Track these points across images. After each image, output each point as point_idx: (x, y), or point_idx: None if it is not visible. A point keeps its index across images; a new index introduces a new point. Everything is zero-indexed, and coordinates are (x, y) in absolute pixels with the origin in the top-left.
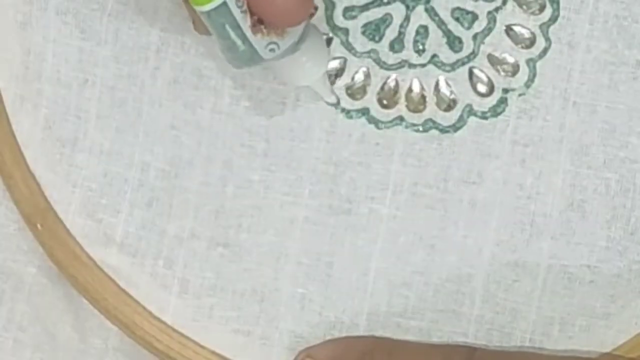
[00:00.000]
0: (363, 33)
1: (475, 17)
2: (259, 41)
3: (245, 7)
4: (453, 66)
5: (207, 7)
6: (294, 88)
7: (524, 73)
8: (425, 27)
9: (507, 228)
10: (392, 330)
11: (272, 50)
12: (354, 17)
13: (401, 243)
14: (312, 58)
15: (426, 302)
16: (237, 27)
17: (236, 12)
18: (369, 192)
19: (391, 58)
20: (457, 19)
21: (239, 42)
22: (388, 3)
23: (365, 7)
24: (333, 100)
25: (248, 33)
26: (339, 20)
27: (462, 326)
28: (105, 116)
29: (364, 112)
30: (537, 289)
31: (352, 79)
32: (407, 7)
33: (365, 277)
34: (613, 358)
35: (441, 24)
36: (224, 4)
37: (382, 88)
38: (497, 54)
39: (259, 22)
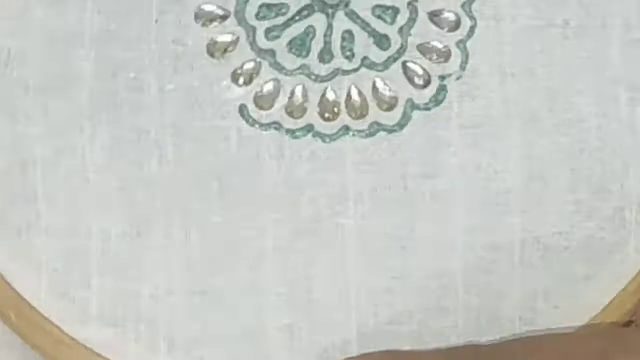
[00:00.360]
0: (290, 51)
1: (396, 10)
2: None
3: None
4: (385, 64)
5: None
6: (236, 125)
7: (456, 56)
8: (350, 32)
9: (474, 213)
10: (384, 339)
11: None
12: (277, 37)
13: (373, 251)
14: None
15: (411, 304)
16: None
17: None
18: (331, 207)
19: (323, 69)
20: (379, 17)
21: None
22: (308, 15)
23: (286, 25)
24: None
25: None
26: (263, 42)
27: (451, 319)
28: (53, 194)
29: (309, 129)
30: (515, 266)
31: (290, 98)
32: (327, 15)
33: (346, 293)
34: (593, 327)
35: (364, 24)
36: None
37: (320, 101)
38: (426, 43)
39: None
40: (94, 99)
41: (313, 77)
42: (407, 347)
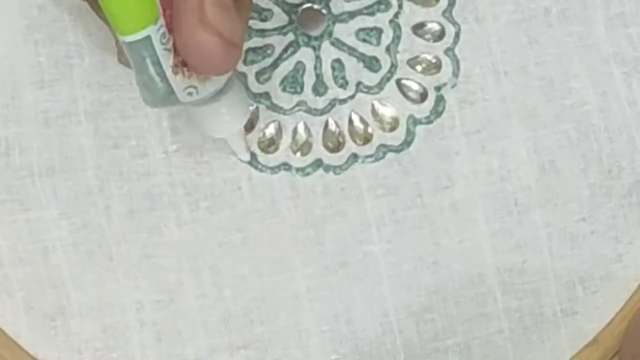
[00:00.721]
0: (284, 90)
1: (379, 30)
2: (177, 82)
3: (170, 46)
4: (380, 86)
5: (130, 38)
6: (245, 173)
7: (447, 64)
8: (339, 60)
9: (495, 216)
10: (434, 356)
11: (190, 94)
12: (268, 79)
13: (405, 272)
14: (231, 111)
15: (452, 317)
16: (157, 64)
17: (159, 48)
18: (355, 237)
19: (320, 102)
20: (364, 40)
21: (157, 79)
22: (294, 52)
23: (275, 65)
24: (247, 158)
25: (168, 72)
26: (256, 87)
27: (495, 325)
28: (79, 274)
29: (318, 164)
30: (547, 261)
31: (293, 137)
32: (314, 48)
33: (387, 318)
34: None
35: (352, 50)
36: (148, 37)
37: (324, 134)
38: (415, 57)
39: (182, 64)
40: (100, 172)
41: (312, 111)
42: (455, 359)
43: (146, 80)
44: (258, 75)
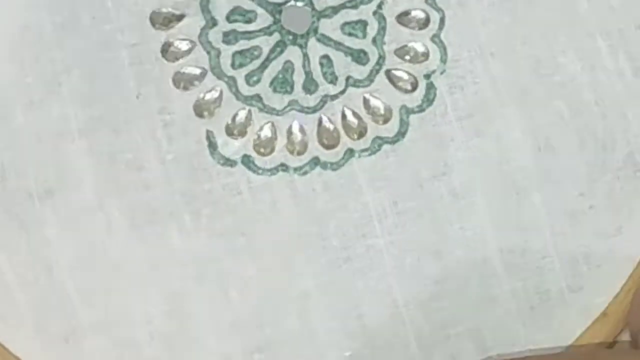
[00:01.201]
0: (275, 91)
1: (364, 23)
2: None
3: None
4: (370, 78)
5: None
6: (244, 177)
7: (434, 51)
8: (326, 56)
9: (495, 200)
10: (446, 344)
11: None
12: (258, 81)
13: (410, 263)
14: None
15: (460, 303)
16: None
17: None
18: (358, 231)
19: (311, 100)
20: (350, 34)
21: None
22: (281, 51)
23: (263, 66)
24: None
25: None
26: (246, 90)
27: (503, 306)
28: (86, 291)
29: (315, 162)
30: (548, 239)
31: (289, 137)
32: (300, 46)
33: (396, 310)
34: (576, 349)
35: (338, 45)
36: None
37: (319, 131)
38: (402, 47)
39: None
40: (99, 188)
41: (305, 110)
42: (470, 345)
43: None
44: (247, 77)
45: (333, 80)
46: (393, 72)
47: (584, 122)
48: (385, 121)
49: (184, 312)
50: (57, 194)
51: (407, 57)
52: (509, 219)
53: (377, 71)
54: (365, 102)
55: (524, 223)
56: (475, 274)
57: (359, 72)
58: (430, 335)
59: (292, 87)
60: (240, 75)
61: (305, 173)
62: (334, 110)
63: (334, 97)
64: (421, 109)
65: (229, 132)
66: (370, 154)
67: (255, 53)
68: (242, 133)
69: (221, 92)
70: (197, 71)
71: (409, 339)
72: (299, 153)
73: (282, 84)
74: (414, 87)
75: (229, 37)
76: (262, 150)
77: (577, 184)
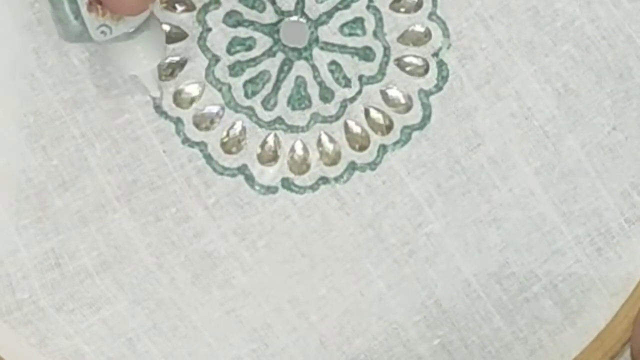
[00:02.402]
0: (294, 109)
1: (361, 20)
2: (92, 20)
3: None
4: (381, 72)
5: None
6: (288, 200)
7: (435, 29)
8: (334, 62)
9: (533, 155)
10: (526, 307)
11: (103, 32)
12: (275, 104)
13: (470, 238)
14: (146, 49)
15: (529, 264)
16: (73, 1)
17: None
18: (412, 223)
19: (331, 108)
20: (350, 34)
21: (71, 16)
22: (290, 69)
23: (276, 89)
24: (157, 94)
25: (83, 10)
26: (265, 115)
27: (571, 257)
28: (171, 353)
29: (352, 167)
30: (595, 179)
31: (320, 151)
32: (306, 59)
33: (470, 288)
34: None
35: (342, 48)
36: None
37: (347, 137)
38: (404, 33)
39: (96, 2)
40: (153, 250)
41: (328, 119)
42: (548, 302)
43: (61, 17)
44: (264, 103)
45: (347, 84)
46: (402, 59)
47: (594, 58)
48: (408, 109)
49: (270, 346)
50: (115, 266)
51: (411, 42)
52: (552, 169)
53: (387, 63)
54: (384, 95)
55: (567, 169)
56: (536, 232)
57: (369, 68)
58: (509, 302)
59: (309, 101)
60: (256, 102)
61: (346, 180)
62: (356, 112)
63: (352, 99)
64: (439, 88)
65: (262, 160)
66: (402, 145)
67: (265, 77)
68: (275, 158)
69: (243, 124)
70: (215, 109)
71: (490, 312)
72: (334, 162)
73: (299, 100)
74: (426, 69)
75: (235, 70)
76: (298, 169)
77: (607, 119)
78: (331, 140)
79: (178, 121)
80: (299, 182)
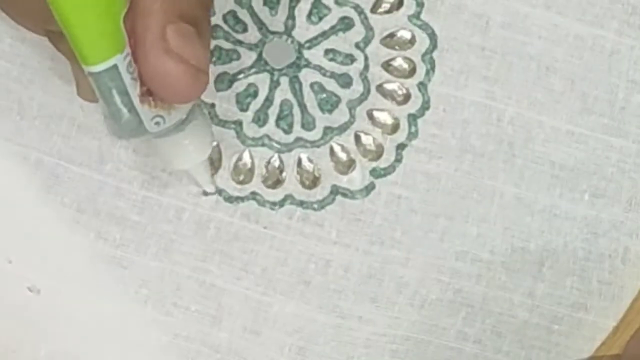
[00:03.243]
0: (281, 128)
1: (349, 22)
2: (145, 112)
3: (135, 75)
4: (364, 82)
5: (97, 69)
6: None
7: (420, 35)
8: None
9: (559, 116)
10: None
11: (157, 123)
12: (265, 123)
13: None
14: (195, 142)
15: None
16: (124, 94)
17: (126, 78)
18: (422, 226)
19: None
20: (332, 60)
21: (124, 109)
22: (275, 87)
23: (265, 108)
24: (212, 189)
25: (135, 102)
26: (251, 131)
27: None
28: None
29: (371, 186)
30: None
31: (317, 167)
32: (293, 79)
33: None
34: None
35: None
36: (115, 67)
37: (361, 147)
38: (388, 37)
39: (147, 93)
40: (181, 292)
41: (315, 144)
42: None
43: (113, 112)
44: (239, 99)
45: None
46: (391, 63)
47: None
48: (427, 107)
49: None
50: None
51: (396, 46)
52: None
53: (366, 68)
54: (371, 115)
55: (577, 137)
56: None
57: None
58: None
59: (292, 121)
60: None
61: (367, 193)
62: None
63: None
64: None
65: (266, 184)
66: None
67: (256, 97)
68: (279, 183)
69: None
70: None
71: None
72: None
73: (285, 118)
74: (412, 72)
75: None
76: (311, 185)
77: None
78: (334, 156)
79: None
80: (304, 199)
